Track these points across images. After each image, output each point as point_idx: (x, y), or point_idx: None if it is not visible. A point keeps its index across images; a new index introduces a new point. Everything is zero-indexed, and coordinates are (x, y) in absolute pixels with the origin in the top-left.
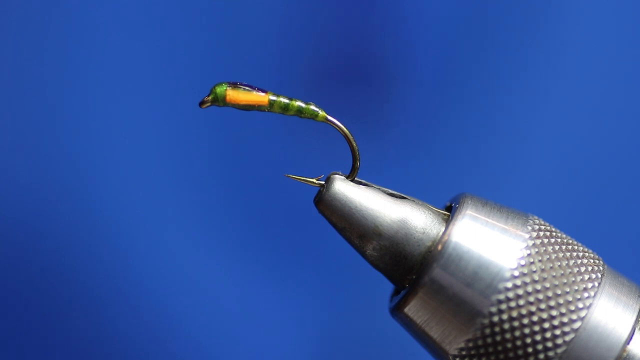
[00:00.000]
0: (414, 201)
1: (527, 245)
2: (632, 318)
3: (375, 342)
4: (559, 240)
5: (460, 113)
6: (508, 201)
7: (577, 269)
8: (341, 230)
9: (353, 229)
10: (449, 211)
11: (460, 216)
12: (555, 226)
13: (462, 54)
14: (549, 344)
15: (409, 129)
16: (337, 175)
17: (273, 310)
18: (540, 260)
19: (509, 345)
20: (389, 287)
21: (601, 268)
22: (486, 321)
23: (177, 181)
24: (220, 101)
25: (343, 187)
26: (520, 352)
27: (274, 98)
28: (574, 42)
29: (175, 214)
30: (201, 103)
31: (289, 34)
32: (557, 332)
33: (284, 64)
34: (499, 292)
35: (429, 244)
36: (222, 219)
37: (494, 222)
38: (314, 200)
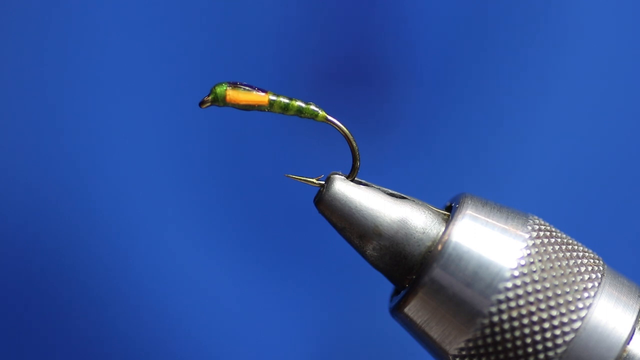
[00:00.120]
0: (414, 201)
1: (527, 245)
2: (632, 318)
3: (375, 342)
4: (559, 240)
5: (460, 113)
6: (508, 201)
7: (577, 269)
8: (341, 230)
9: (353, 229)
10: (449, 211)
11: (460, 216)
12: (555, 226)
13: (462, 54)
14: (549, 344)
15: (409, 129)
16: (337, 175)
17: (273, 310)
18: (540, 260)
19: (509, 345)
20: (389, 287)
21: (601, 268)
22: (486, 321)
23: (177, 181)
24: (220, 101)
25: (343, 187)
26: (520, 352)
27: (274, 98)
28: (574, 42)
29: (175, 214)
30: (201, 103)
31: (289, 34)
32: (557, 332)
33: (284, 63)
34: (499, 292)
35: (429, 244)
36: (222, 219)
37: (494, 222)
38: (314, 200)
